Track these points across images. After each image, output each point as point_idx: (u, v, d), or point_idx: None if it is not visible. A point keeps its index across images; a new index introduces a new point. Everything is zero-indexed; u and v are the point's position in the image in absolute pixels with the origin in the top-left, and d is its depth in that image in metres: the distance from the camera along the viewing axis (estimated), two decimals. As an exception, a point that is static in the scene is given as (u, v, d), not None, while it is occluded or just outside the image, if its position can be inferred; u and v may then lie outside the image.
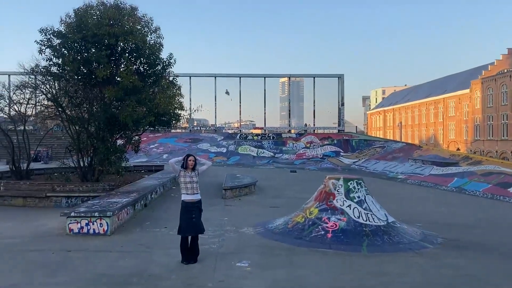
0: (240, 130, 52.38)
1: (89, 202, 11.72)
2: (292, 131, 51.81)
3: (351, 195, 10.30)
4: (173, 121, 17.88)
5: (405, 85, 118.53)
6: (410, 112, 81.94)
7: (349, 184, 10.45)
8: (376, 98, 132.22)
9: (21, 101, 18.67)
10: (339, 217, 9.92)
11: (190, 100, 48.15)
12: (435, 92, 74.52)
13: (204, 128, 54.45)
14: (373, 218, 10.01)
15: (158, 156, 41.69)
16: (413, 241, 9.85)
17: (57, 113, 17.59)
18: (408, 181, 26.93)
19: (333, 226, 9.76)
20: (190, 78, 50.10)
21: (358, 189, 10.48)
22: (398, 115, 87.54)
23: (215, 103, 51.66)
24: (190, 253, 7.98)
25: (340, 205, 10.13)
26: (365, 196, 10.44)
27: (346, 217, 9.88)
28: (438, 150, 37.60)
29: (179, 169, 8.16)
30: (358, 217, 9.91)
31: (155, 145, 44.93)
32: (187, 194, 7.99)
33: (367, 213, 10.06)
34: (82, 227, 9.91)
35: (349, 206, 10.12)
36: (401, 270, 7.79)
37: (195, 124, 56.48)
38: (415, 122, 79.97)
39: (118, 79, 15.75)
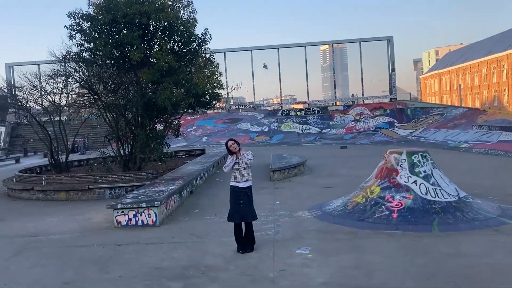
0: (281, 106, 52.13)
1: (134, 192, 11.99)
2: (338, 103, 51.05)
3: (416, 170, 9.97)
4: (213, 102, 17.93)
5: (461, 44, 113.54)
6: (469, 73, 78.64)
7: (413, 158, 10.11)
8: (429, 61, 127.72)
9: (54, 90, 19.26)
10: (405, 194, 9.64)
11: (226, 78, 48.20)
12: (496, 49, 70.91)
13: (243, 107, 54.55)
14: (442, 194, 9.67)
15: (197, 139, 42.31)
16: (490, 217, 9.46)
17: (92, 101, 18.02)
18: (473, 150, 25.94)
19: (398, 205, 9.50)
20: (224, 54, 50.08)
21: (424, 162, 10.13)
22: (455, 78, 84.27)
23: (253, 79, 51.58)
24: (245, 241, 8.00)
25: (405, 182, 9.84)
26: (431, 170, 10.08)
27: (412, 195, 9.59)
28: (506, 113, 35.87)
29: (229, 157, 8.16)
30: (426, 194, 9.60)
31: (193, 128, 45.57)
32: (235, 181, 8.01)
33: (435, 189, 9.73)
34: (130, 219, 10.14)
35: (415, 182, 9.81)
36: (481, 250, 7.49)
37: (232, 103, 56.72)
38: (475, 84, 76.75)
39: (152, 60, 15.89)
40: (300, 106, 52.27)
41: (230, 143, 8.11)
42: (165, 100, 14.54)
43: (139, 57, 15.10)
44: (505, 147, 24.51)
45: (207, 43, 17.24)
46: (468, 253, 7.40)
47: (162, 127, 18.09)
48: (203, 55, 18.21)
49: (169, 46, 16.20)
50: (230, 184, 8.07)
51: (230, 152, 8.08)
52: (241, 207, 7.90)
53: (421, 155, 10.22)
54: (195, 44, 17.02)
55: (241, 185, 7.96)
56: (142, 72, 15.29)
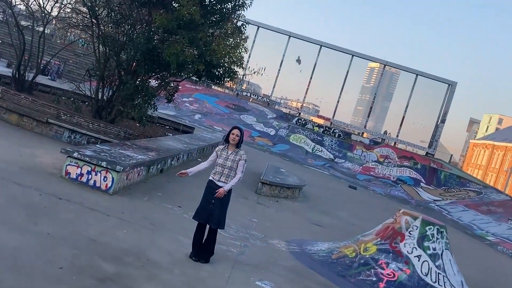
0: (299, 113, 52.32)
1: (97, 146, 12.13)
2: (366, 135, 51.30)
3: (426, 243, 10.14)
4: (226, 78, 18.08)
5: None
6: (529, 158, 78.99)
7: (427, 228, 10.29)
8: (487, 127, 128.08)
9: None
10: (402, 266, 9.82)
11: (249, 57, 48.38)
12: None
13: (255, 97, 54.75)
14: (444, 282, 9.84)
15: (190, 114, 42.50)
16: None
17: (88, 24, 18.17)
18: (499, 247, 26.18)
19: (390, 275, 9.67)
20: (257, 29, 50.27)
21: (437, 239, 10.30)
22: (510, 157, 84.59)
23: (279, 69, 51.77)
24: (202, 249, 8.16)
25: (407, 252, 10.01)
26: (443, 251, 10.26)
27: (410, 269, 9.76)
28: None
29: (219, 146, 8.28)
30: (426, 275, 9.77)
31: (190, 99, 45.77)
32: (213, 177, 8.15)
33: (438, 273, 9.90)
34: (81, 174, 10.28)
35: (418, 256, 9.98)
36: None
37: (243, 88, 56.88)
38: (530, 174, 77.06)
39: (174, 5, 16.04)
40: (321, 121, 52.52)
41: (235, 131, 8.18)
42: (172, 56, 14.67)
43: (160, -5, 15.26)
44: (535, 258, 24.71)
45: (244, 9, 17.41)
46: None
47: (156, 85, 18.24)
48: (235, 20, 18.38)
49: (199, -6, 16.35)
50: (209, 178, 8.21)
51: (227, 140, 8.19)
52: (211, 206, 8.01)
53: (437, 229, 10.40)
54: (230, 5, 17.18)
55: (218, 182, 8.10)
56: (158, 14, 15.44)
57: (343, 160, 42.30)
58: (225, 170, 8.08)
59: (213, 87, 45.50)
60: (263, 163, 23.16)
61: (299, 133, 44.63)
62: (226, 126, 41.15)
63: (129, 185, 11.33)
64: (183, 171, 8.25)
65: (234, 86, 50.98)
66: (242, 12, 17.79)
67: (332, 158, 42.41)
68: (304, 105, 57.55)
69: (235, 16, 17.88)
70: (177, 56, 14.78)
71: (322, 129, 46.69)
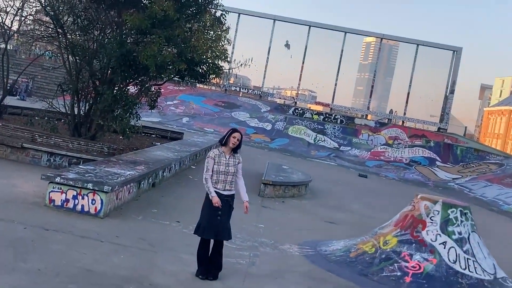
0: (296, 103, 52.38)
1: (80, 166, 12.11)
2: (370, 117, 51.43)
3: (450, 228, 10.17)
4: (211, 75, 18.09)
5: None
6: (550, 120, 79.26)
7: (449, 212, 10.32)
8: (501, 91, 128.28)
9: (7, 9, 19.36)
10: (427, 256, 9.85)
11: (234, 48, 48.36)
12: None
13: (245, 90, 54.76)
14: (475, 268, 9.88)
15: (176, 118, 42.54)
16: (529, 311, 9.70)
17: (54, 34, 18.13)
18: (529, 221, 26.22)
19: (415, 267, 9.71)
20: (238, 16, 50.28)
21: (462, 221, 10.33)
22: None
23: (267, 58, 51.82)
24: (210, 265, 8.16)
25: (431, 240, 10.04)
26: (469, 234, 10.29)
27: (436, 259, 9.80)
28: None
29: (214, 151, 8.21)
30: (454, 262, 9.80)
31: (174, 102, 45.81)
32: (216, 187, 8.06)
33: (468, 259, 9.93)
34: (67, 200, 10.27)
35: (444, 243, 10.01)
36: None
37: (231, 82, 56.84)
38: (554, 137, 77.34)
39: (145, 2, 16.03)
40: (320, 108, 52.63)
41: (237, 134, 8.10)
42: (150, 58, 14.67)
43: (129, -8, 15.24)
44: None
45: (222, -3, 17.45)
46: None
47: (136, 91, 18.23)
48: (213, 11, 18.38)
49: (171, -12, 16.35)
50: (206, 184, 8.13)
51: (225, 141, 8.11)
52: (218, 219, 7.96)
53: (460, 210, 10.42)
54: (206, -6, 17.20)
55: (223, 192, 8.07)
56: (128, 14, 15.43)
57: (349, 148, 42.38)
58: (228, 177, 8.07)
59: (198, 85, 45.52)
60: (263, 162, 23.18)
61: (298, 124, 44.69)
62: (217, 127, 41.22)
63: (120, 205, 11.33)
64: (215, 201, 7.89)
65: (221, 82, 50.95)
66: (220, 0, 17.79)
67: (337, 146, 42.47)
68: (299, 92, 57.62)
69: (213, 6, 17.88)
70: (155, 58, 14.77)
71: (322, 117, 46.79)
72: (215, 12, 18.59)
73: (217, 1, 17.77)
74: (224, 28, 18.73)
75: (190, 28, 17.11)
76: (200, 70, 17.49)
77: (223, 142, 8.15)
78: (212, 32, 17.18)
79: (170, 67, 15.60)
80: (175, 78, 18.45)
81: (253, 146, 37.23)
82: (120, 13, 16.39)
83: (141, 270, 7.95)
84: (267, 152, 35.27)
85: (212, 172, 8.03)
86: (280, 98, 58.27)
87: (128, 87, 17.95)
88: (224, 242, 8.37)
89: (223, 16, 18.72)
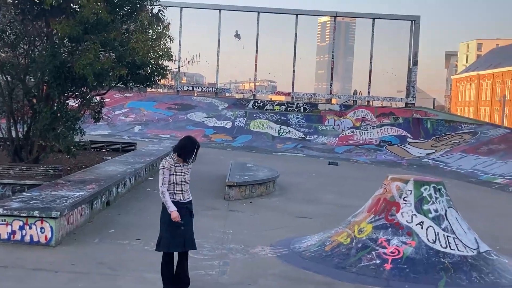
0: (254, 95, 52.42)
1: (24, 194, 11.92)
2: (334, 100, 51.75)
3: (425, 207, 10.30)
4: (156, 77, 17.97)
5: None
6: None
7: (422, 190, 10.44)
8: (467, 56, 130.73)
9: None
10: (405, 239, 9.95)
11: (180, 45, 48.14)
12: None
13: (199, 89, 54.58)
14: (456, 245, 10.01)
15: (128, 127, 42.11)
16: (517, 283, 9.86)
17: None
18: (510, 188, 26.72)
19: (394, 252, 9.80)
20: (181, 10, 49.93)
21: (437, 198, 10.47)
22: (500, 84, 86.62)
23: (218, 51, 51.61)
24: (177, 280, 8.09)
25: (407, 222, 10.15)
26: (446, 210, 10.43)
27: (415, 241, 9.90)
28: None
29: (168, 160, 8.07)
30: (434, 242, 9.92)
31: (123, 110, 45.31)
32: (178, 199, 8.00)
33: (447, 236, 10.07)
34: (14, 232, 10.09)
35: (421, 223, 10.13)
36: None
37: (184, 82, 56.57)
38: (527, 97, 79.11)
39: (75, 7, 15.81)
40: (281, 98, 52.66)
41: (197, 151, 8.06)
42: (86, 67, 14.48)
43: (55, 0, 14.98)
44: (553, 190, 25.36)
45: (157, -7, 17.32)
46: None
47: (77, 105, 17.99)
48: (149, 8, 18.23)
49: (102, -11, 16.16)
50: (163, 198, 8.04)
51: (188, 156, 7.98)
52: (182, 229, 7.87)
53: (434, 187, 10.56)
54: (139, -9, 17.04)
55: (186, 201, 8.04)
56: (57, 22, 15.18)
57: (316, 136, 42.55)
58: (186, 186, 8.03)
59: (148, 89, 45.21)
60: (226, 163, 23.11)
61: (259, 118, 44.69)
62: (174, 131, 41.01)
63: (72, 230, 11.18)
64: (173, 216, 7.78)
65: (173, 83, 50.66)
66: (156, -3, 17.66)
67: (303, 136, 42.61)
68: (258, 84, 57.67)
69: (149, 3, 17.73)
70: (92, 66, 14.58)
71: (284, 107, 46.82)
72: (152, 9, 18.43)
73: (154, -3, 17.63)
74: (164, 24, 18.60)
75: (127, 29, 16.95)
76: (144, 73, 17.35)
77: (184, 156, 7.99)
78: (151, 31, 17.05)
79: (110, 74, 15.43)
80: (118, 85, 18.26)
81: (214, 147, 37.12)
82: (48, 22, 16.11)
83: (102, 297, 7.85)
84: (230, 152, 35.19)
85: (169, 183, 7.95)
86: (238, 93, 58.23)
87: (67, 101, 17.68)
88: (190, 253, 8.35)
89: (161, 12, 18.58)
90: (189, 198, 8.11)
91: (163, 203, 7.97)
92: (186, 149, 7.97)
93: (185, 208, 7.97)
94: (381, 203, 10.62)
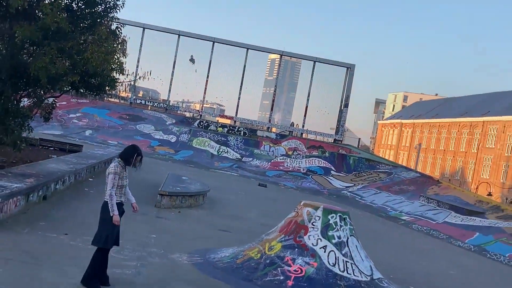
0: (201, 115, 52.34)
1: (-37, 180, 11.50)
2: (273, 129, 52.20)
3: (330, 233, 10.44)
4: (107, 87, 17.73)
5: (436, 95, 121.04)
6: (436, 132, 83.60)
7: (329, 217, 10.60)
8: (394, 105, 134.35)
9: None
10: (308, 260, 10.04)
11: (139, 61, 47.80)
12: (473, 112, 76.24)
13: (151, 104, 54.13)
14: (353, 270, 10.17)
15: (79, 131, 41.32)
16: (401, 309, 10.08)
17: None
18: (414, 225, 27.47)
19: (297, 271, 9.86)
20: (143, 31, 49.79)
21: (341, 226, 10.63)
22: (418, 133, 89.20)
23: (173, 71, 51.47)
24: (104, 276, 8.11)
25: (313, 244, 10.25)
26: (348, 238, 10.60)
27: (317, 262, 10.01)
28: (462, 191, 38.48)
29: (117, 166, 8.11)
30: (334, 265, 10.05)
31: (77, 115, 44.49)
32: (121, 201, 8.19)
33: (346, 262, 10.22)
34: None
35: (324, 247, 10.26)
36: None
37: (139, 95, 56.12)
38: (439, 147, 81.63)
39: (39, 14, 15.48)
40: (227, 121, 52.82)
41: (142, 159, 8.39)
42: (41, 70, 14.12)
43: (21, 5, 14.62)
44: (449, 231, 26.19)
45: (117, 11, 17.08)
46: None
47: (29, 103, 17.52)
48: (109, 23, 18.00)
49: (66, 1, 15.87)
50: (110, 201, 7.97)
51: (133, 163, 8.21)
52: (118, 227, 8.04)
53: (340, 216, 10.73)
54: (101, 8, 16.78)
55: (122, 201, 8.18)
56: (20, 26, 14.81)
57: (251, 158, 42.80)
58: (124, 189, 8.23)
59: (106, 98, 44.59)
60: (163, 173, 22.91)
61: (202, 136, 44.65)
62: (122, 139, 40.42)
63: (5, 218, 10.80)
64: (115, 219, 7.90)
65: (127, 95, 50.18)
66: (115, 14, 17.45)
67: (239, 157, 42.77)
68: (207, 106, 57.66)
69: (108, 19, 17.51)
70: (46, 70, 14.25)
71: (226, 129, 46.98)
72: (111, 24, 18.22)
73: (113, 15, 17.42)
74: (119, 41, 18.41)
75: (85, 40, 16.68)
76: (95, 82, 17.10)
77: (129, 163, 8.22)
78: (107, 45, 16.80)
79: (63, 79, 15.13)
80: (70, 91, 17.91)
81: (157, 158, 36.77)
82: (12, 25, 15.70)
83: (20, 284, 7.61)
84: (171, 164, 34.90)
85: (117, 187, 8.12)
86: (188, 112, 58.03)
87: (21, 99, 17.20)
88: (111, 252, 8.38)
89: (119, 29, 18.38)
90: (126, 200, 8.29)
91: (105, 203, 8.00)
92: (129, 155, 8.25)
93: (122, 209, 8.15)
94: (292, 225, 10.71)
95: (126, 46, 19.54)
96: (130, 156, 8.22)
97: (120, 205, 8.07)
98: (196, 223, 15.47)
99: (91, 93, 18.14)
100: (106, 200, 7.97)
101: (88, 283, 7.84)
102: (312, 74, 51.60)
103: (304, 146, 45.27)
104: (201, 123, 47.66)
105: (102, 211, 8.01)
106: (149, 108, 51.85)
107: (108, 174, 8.04)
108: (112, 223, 7.90)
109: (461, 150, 76.10)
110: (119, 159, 8.21)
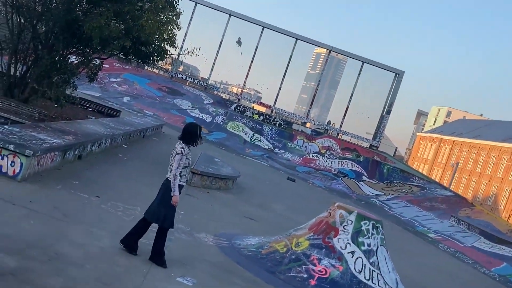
0: (239, 99, 52.44)
1: (6, 127, 11.72)
2: (308, 124, 51.94)
3: (360, 239, 10.39)
4: (156, 57, 17.89)
5: (481, 115, 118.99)
6: (475, 153, 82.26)
7: (362, 223, 10.55)
8: (435, 119, 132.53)
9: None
10: (334, 262, 10.02)
11: (186, 35, 47.96)
12: (517, 138, 74.71)
13: (191, 80, 54.39)
14: (378, 280, 10.13)
15: (117, 96, 41.71)
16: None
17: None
18: (440, 244, 27.15)
19: (321, 271, 9.86)
20: (195, 5, 49.85)
21: (372, 234, 10.58)
22: (457, 152, 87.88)
23: (218, 51, 51.50)
24: (135, 244, 8.41)
25: (341, 248, 10.22)
26: (378, 247, 10.55)
27: (343, 266, 9.98)
28: (495, 217, 37.82)
29: (185, 148, 8.28)
30: (360, 272, 10.02)
31: (118, 79, 44.92)
32: (181, 180, 8.31)
33: (373, 271, 10.17)
34: (-14, 157, 9.93)
35: (352, 253, 10.22)
36: None
37: (180, 70, 56.36)
38: (476, 169, 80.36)
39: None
40: (262, 109, 52.75)
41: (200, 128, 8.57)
42: (95, 30, 14.35)
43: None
44: (476, 256, 25.83)
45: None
46: None
47: (77, 61, 17.80)
48: (167, -6, 18.15)
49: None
50: (173, 181, 8.13)
51: (194, 141, 8.32)
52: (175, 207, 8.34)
53: (373, 223, 10.67)
54: (162, -25, 16.98)
55: (184, 183, 8.38)
56: (79, -17, 15.09)
57: (283, 151, 42.70)
58: (189, 170, 8.50)
59: (146, 67, 44.91)
60: (196, 152, 23.03)
61: (237, 121, 44.66)
62: (158, 111, 40.74)
63: (40, 171, 11.02)
64: (175, 200, 8.16)
65: (169, 67, 50.45)
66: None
67: (272, 148, 42.71)
68: (245, 91, 57.65)
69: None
70: (100, 30, 14.47)
71: (262, 117, 46.93)
72: (170, -5, 18.38)
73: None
74: (176, 12, 18.55)
75: (141, 6, 16.84)
76: (146, 51, 17.27)
77: (196, 143, 8.37)
78: (163, 15, 16.97)
79: (115, 42, 15.33)
80: (119, 55, 18.13)
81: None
82: (72, -21, 15.99)
83: (48, 238, 7.74)
84: (203, 144, 34.96)
85: (184, 168, 8.28)
86: (225, 93, 58.04)
87: (69, 56, 17.50)
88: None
89: (176, 1, 18.52)
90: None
91: (166, 181, 8.23)
92: (195, 135, 8.34)
93: (181, 191, 8.38)
94: (322, 225, 10.69)
95: (180, 19, 19.68)
96: (196, 135, 8.33)
97: (181, 187, 8.27)
98: (223, 207, 15.55)
99: (140, 60, 18.35)
100: (169, 179, 8.13)
101: (157, 260, 8.26)
102: (359, 75, 51.08)
103: (338, 147, 44.94)
104: (238, 107, 47.67)
105: (164, 189, 8.24)
106: (187, 84, 52.03)
107: (176, 154, 8.15)
108: (171, 204, 8.14)
109: (498, 175, 74.75)
110: (180, 141, 8.32)
